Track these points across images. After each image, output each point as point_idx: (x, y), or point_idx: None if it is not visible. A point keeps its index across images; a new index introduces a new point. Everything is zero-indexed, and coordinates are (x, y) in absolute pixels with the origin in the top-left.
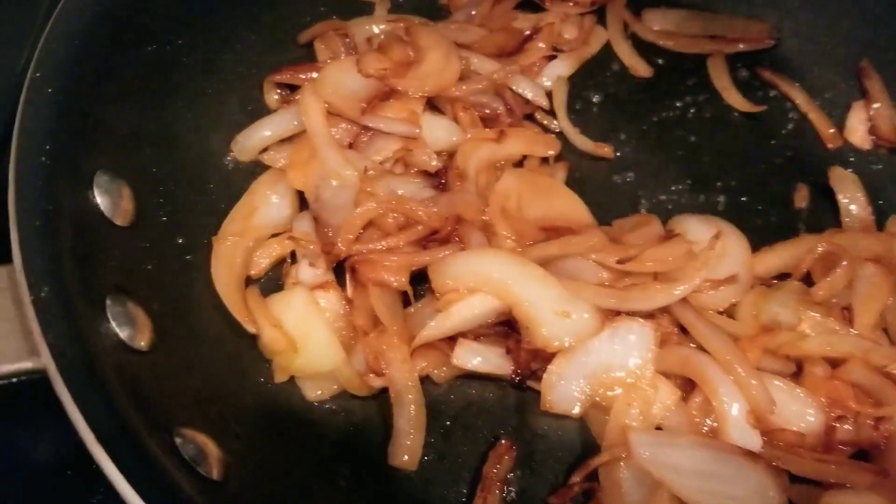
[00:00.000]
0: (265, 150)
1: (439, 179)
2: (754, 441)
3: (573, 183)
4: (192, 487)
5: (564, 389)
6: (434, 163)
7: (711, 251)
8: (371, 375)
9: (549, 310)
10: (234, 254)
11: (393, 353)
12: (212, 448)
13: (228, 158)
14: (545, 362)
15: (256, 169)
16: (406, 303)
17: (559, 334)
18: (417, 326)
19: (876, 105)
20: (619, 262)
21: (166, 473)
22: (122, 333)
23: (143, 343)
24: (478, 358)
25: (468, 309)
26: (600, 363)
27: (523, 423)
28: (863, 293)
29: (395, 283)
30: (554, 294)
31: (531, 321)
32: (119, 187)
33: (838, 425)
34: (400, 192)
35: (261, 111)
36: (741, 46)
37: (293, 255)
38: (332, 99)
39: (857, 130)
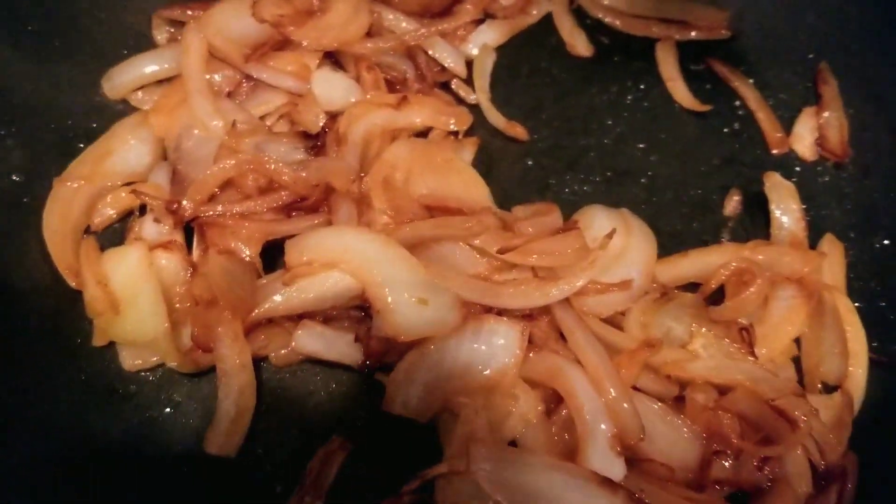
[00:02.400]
0: (138, 89)
1: (316, 141)
2: (617, 469)
3: (481, 162)
4: None
5: (412, 391)
6: (322, 122)
7: (602, 250)
8: (199, 351)
9: (406, 295)
10: (74, 198)
11: (224, 328)
12: None
13: (98, 97)
14: (398, 355)
15: (126, 111)
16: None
17: (413, 324)
18: (262, 299)
19: (826, 114)
20: (500, 251)
21: None
22: None
23: None
24: (322, 343)
25: (318, 286)
26: (457, 364)
27: (366, 421)
28: (777, 316)
29: (245, 254)
30: (415, 279)
31: (384, 305)
32: None
33: (716, 461)
34: (267, 153)
35: (146, 47)
36: (694, 34)
37: (143, 208)
38: (215, 41)
39: (804, 138)
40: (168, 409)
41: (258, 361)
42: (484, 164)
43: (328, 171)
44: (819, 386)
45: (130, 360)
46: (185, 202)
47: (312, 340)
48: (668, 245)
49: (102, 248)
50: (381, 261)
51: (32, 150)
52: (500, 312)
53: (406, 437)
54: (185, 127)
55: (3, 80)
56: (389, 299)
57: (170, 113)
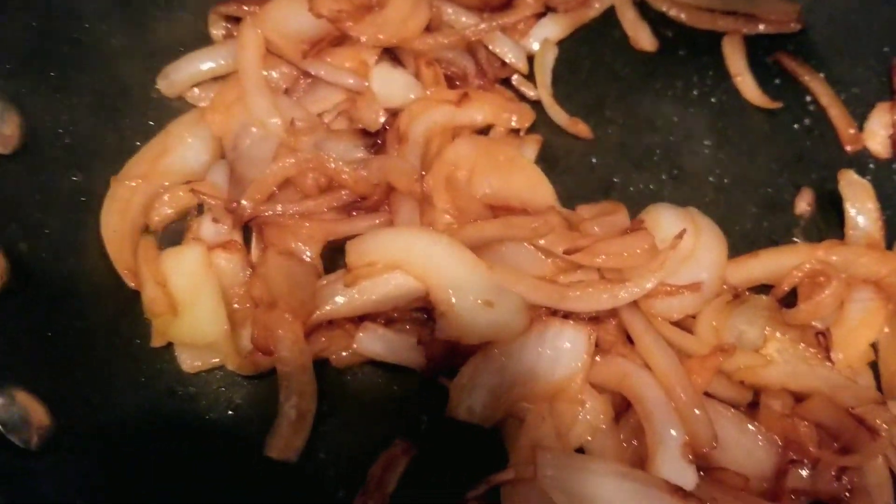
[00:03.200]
0: (195, 86)
1: (377, 139)
2: (688, 478)
3: (543, 160)
4: None
5: (476, 396)
6: (382, 119)
7: (672, 251)
8: (259, 354)
9: (471, 297)
10: (132, 198)
11: (284, 330)
12: (40, 416)
13: (154, 93)
14: (462, 359)
15: (183, 108)
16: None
17: (478, 327)
18: (322, 300)
19: None
20: (567, 252)
21: None
22: None
23: None
24: (384, 346)
25: (380, 287)
26: (522, 369)
27: (429, 425)
28: (854, 320)
29: (305, 255)
30: (480, 281)
31: (448, 308)
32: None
33: (792, 470)
34: (327, 151)
35: (204, 46)
36: (763, 28)
37: (201, 207)
38: (272, 36)
39: (877, 135)
40: (229, 412)
41: (319, 363)
42: (547, 162)
43: (389, 170)
44: None
45: (189, 362)
46: (244, 202)
47: (374, 343)
48: (738, 245)
49: (161, 248)
50: (445, 262)
51: (90, 148)
52: (566, 315)
53: (470, 441)
54: (243, 125)
55: (60, 76)
56: (454, 301)
57: (226, 110)
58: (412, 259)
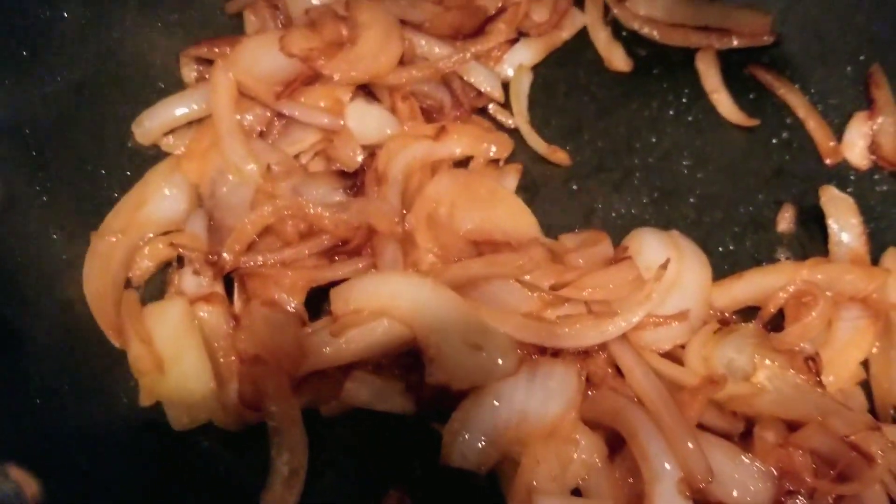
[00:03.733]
0: (169, 133)
1: (356, 181)
2: None
3: (524, 189)
4: None
5: (469, 441)
6: (360, 158)
7: (657, 283)
8: (247, 409)
9: (460, 341)
10: (112, 254)
11: (272, 384)
12: (34, 489)
13: (129, 142)
14: (453, 402)
15: (159, 156)
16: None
17: (467, 371)
18: (309, 350)
19: (880, 119)
20: (553, 287)
21: None
22: None
23: None
24: (373, 393)
25: (367, 335)
26: (514, 411)
27: (423, 471)
28: (843, 340)
29: (289, 305)
30: (468, 323)
31: (437, 353)
32: None
33: (789, 501)
34: (305, 195)
35: (176, 90)
36: (736, 42)
37: (181, 258)
38: (244, 79)
39: (856, 146)
40: (222, 467)
41: (308, 412)
42: (527, 191)
43: (370, 213)
44: (892, 412)
45: (178, 420)
46: (224, 254)
47: (363, 391)
48: (721, 266)
49: (142, 299)
50: (431, 306)
51: (68, 204)
52: (555, 352)
53: (466, 486)
54: (219, 171)
55: (34, 134)
56: (441, 346)
57: (202, 157)
58: (398, 305)
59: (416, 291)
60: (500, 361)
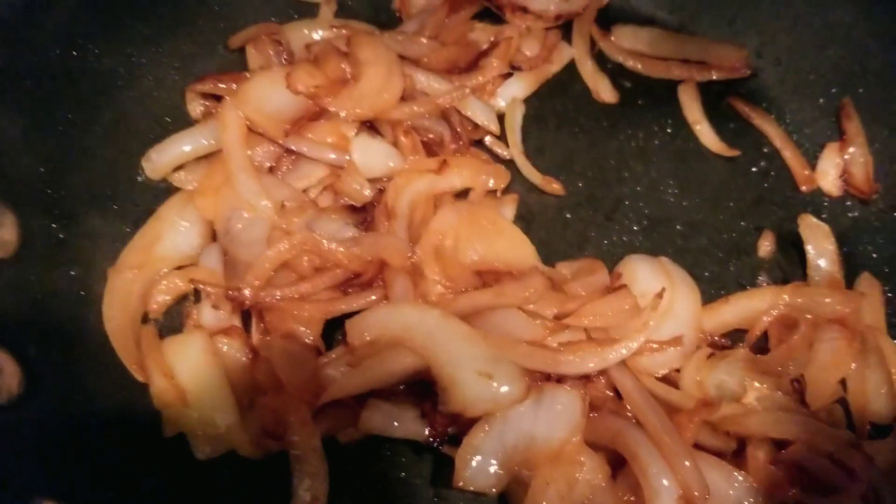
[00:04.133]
0: (180, 168)
1: (365, 215)
2: None
3: (521, 218)
4: None
5: (481, 464)
6: (367, 192)
7: (654, 311)
8: (269, 439)
9: (471, 370)
10: (130, 289)
11: (293, 414)
12: None
13: (140, 176)
14: (465, 427)
15: (171, 189)
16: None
17: (479, 399)
18: (327, 380)
19: (851, 150)
20: (557, 317)
21: None
22: None
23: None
24: (388, 421)
25: (382, 366)
26: (522, 434)
27: (437, 495)
28: (823, 360)
29: (306, 337)
30: (478, 353)
31: (450, 382)
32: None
33: None
34: (318, 231)
35: (183, 124)
36: (714, 75)
37: (197, 291)
38: (254, 116)
39: (828, 174)
40: (244, 496)
41: (326, 440)
42: (524, 220)
43: (382, 247)
44: (868, 427)
45: (202, 450)
46: (244, 290)
47: (379, 419)
48: (707, 290)
49: (161, 335)
50: (442, 337)
51: (83, 240)
52: (560, 378)
53: None
54: (233, 209)
55: (50, 174)
56: (454, 376)
57: (214, 194)
58: (412, 335)
59: (429, 322)
60: (508, 389)
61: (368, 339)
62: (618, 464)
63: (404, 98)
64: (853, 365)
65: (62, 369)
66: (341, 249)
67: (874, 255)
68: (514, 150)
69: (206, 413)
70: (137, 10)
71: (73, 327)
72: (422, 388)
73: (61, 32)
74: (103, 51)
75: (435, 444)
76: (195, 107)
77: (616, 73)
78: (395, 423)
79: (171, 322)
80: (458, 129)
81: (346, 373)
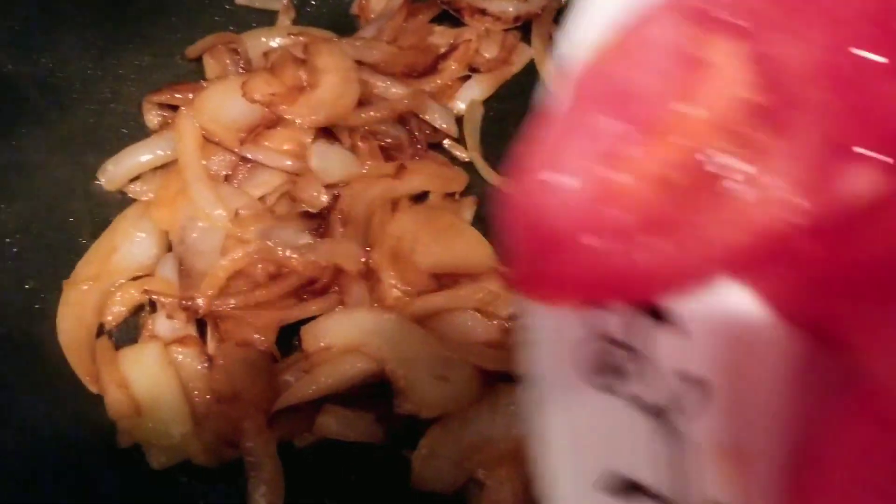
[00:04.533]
0: (136, 178)
1: (321, 221)
2: None
3: (480, 220)
4: None
5: (438, 465)
6: (324, 198)
7: None
8: (224, 447)
9: (426, 373)
10: (85, 301)
11: (248, 421)
12: None
13: (96, 187)
14: (421, 429)
15: (126, 201)
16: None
17: (435, 401)
18: (283, 386)
19: None
20: (512, 317)
21: None
22: None
23: None
24: (344, 425)
25: (337, 371)
26: (479, 435)
27: (396, 498)
28: None
29: (261, 344)
30: (431, 355)
31: (405, 385)
32: None
33: None
34: (273, 238)
35: (140, 136)
36: None
37: (153, 302)
38: (210, 125)
39: None
40: (201, 503)
41: (282, 446)
42: (483, 222)
43: (337, 254)
44: None
45: (157, 460)
46: (198, 299)
47: (334, 423)
48: None
49: (116, 344)
50: (398, 341)
51: (38, 253)
52: (515, 377)
53: None
54: (188, 218)
55: (2, 189)
56: (409, 378)
57: (171, 204)
58: (366, 340)
59: (383, 326)
60: (464, 390)
61: (323, 344)
62: None
63: (362, 103)
64: None
65: (14, 383)
66: (296, 257)
67: None
68: (473, 152)
69: (161, 423)
70: (93, 21)
71: (27, 341)
72: (378, 391)
73: (12, 45)
74: (57, 64)
75: (391, 446)
76: (152, 118)
77: None
78: (351, 427)
79: (128, 333)
80: (417, 134)
81: (301, 378)
